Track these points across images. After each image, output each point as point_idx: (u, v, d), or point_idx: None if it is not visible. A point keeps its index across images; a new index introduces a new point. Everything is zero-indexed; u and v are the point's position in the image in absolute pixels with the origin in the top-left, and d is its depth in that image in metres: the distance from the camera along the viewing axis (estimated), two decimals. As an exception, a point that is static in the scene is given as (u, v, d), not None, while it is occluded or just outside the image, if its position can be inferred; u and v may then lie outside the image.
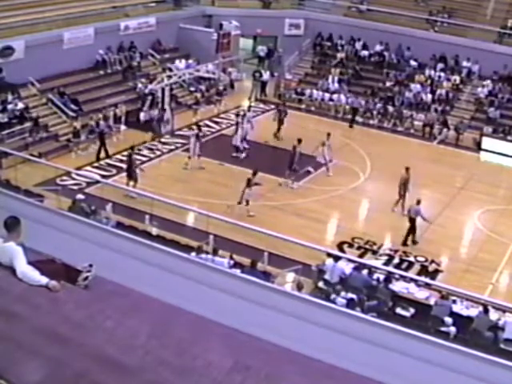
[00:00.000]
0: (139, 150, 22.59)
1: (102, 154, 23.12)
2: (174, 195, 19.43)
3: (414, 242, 18.90)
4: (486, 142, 27.33)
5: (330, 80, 31.53)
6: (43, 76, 25.37)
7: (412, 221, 18.90)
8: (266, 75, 32.14)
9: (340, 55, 33.03)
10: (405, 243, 18.81)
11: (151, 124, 25.78)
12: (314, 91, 31.06)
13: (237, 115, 26.24)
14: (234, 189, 20.04)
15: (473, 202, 20.86)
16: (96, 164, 22.56)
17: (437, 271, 17.63)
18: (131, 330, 4.90)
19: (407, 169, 20.60)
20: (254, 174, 19.89)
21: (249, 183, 19.52)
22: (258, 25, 34.08)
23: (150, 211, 17.77)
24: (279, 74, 32.77)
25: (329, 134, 23.17)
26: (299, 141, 22.09)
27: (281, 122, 26.35)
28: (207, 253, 14.74)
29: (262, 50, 35.00)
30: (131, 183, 20.22)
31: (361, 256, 17.78)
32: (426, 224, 19.50)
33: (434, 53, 31.64)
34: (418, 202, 18.95)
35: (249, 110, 26.52)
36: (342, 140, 25.58)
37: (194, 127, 24.34)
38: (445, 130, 28.06)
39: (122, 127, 25.83)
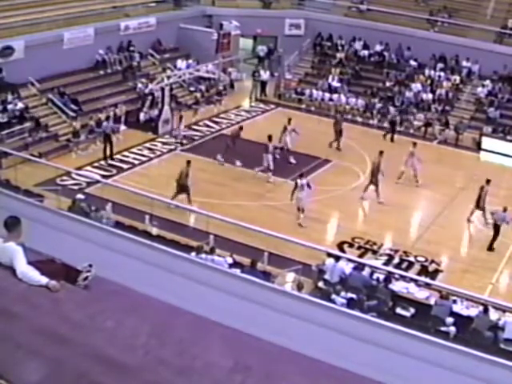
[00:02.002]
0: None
1: (108, 152, 23.10)
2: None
3: (491, 249, 18.76)
4: (486, 142, 27.31)
5: (330, 80, 31.55)
6: (43, 76, 25.36)
7: (496, 227, 18.73)
8: (265, 75, 32.13)
9: (340, 55, 33.02)
10: (491, 248, 18.76)
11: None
12: (314, 91, 31.07)
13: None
14: (233, 188, 20.02)
15: (473, 202, 20.77)
16: (96, 164, 22.58)
17: (437, 271, 17.63)
18: (131, 330, 4.89)
19: (488, 181, 20.12)
20: (301, 177, 19.76)
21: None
22: (258, 25, 34.08)
23: (150, 211, 17.78)
24: (279, 73, 32.76)
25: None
26: (381, 153, 21.26)
27: (338, 133, 25.46)
28: (206, 253, 14.77)
29: (262, 49, 34.99)
30: (179, 196, 19.60)
31: (361, 256, 17.77)
32: (427, 224, 19.47)
33: (434, 53, 31.61)
34: (505, 209, 18.77)
35: (289, 123, 24.52)
36: (342, 140, 25.55)
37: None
38: (446, 130, 28.06)
39: (122, 127, 25.82)
